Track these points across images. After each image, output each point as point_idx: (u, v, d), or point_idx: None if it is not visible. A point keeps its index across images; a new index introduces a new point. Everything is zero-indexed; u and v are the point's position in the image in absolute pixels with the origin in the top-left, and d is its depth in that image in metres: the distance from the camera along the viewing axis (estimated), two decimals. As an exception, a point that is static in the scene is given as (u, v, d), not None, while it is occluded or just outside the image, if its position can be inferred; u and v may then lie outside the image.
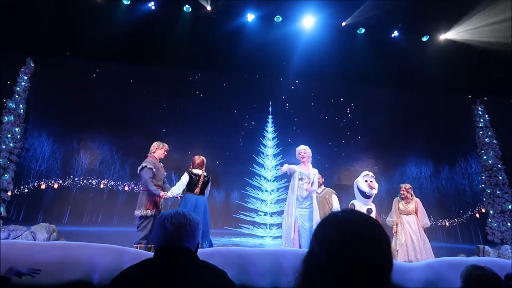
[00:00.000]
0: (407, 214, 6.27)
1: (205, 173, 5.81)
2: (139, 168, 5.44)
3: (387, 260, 0.88)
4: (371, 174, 6.27)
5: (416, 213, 6.31)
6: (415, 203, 6.39)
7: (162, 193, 5.44)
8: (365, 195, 6.10)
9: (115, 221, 9.57)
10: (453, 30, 10.13)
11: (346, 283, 0.83)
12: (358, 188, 6.16)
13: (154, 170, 5.50)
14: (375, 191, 6.12)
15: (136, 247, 5.02)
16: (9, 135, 9.42)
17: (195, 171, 5.78)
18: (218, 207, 10.01)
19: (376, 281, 0.84)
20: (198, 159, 5.90)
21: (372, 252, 0.85)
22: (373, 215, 5.91)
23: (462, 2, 9.04)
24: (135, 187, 9.77)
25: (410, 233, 6.04)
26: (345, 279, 0.83)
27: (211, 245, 5.46)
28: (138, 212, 5.32)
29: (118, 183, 9.94)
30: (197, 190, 5.60)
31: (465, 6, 9.13)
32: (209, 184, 5.84)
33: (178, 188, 5.57)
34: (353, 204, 6.24)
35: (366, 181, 6.11)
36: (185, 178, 5.71)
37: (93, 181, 9.91)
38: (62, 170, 9.86)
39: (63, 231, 8.84)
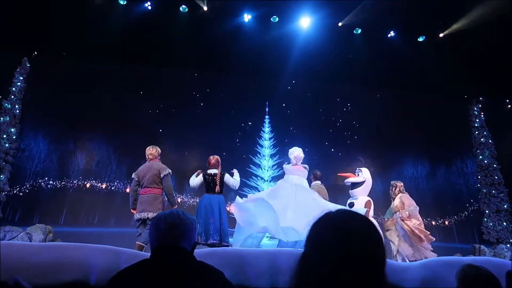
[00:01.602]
0: (394, 212, 6.23)
1: (221, 171, 5.82)
2: (164, 173, 5.49)
3: (380, 260, 0.88)
4: (360, 168, 6.42)
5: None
6: (400, 198, 6.21)
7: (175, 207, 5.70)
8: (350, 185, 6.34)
9: (112, 222, 9.53)
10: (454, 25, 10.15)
11: (339, 283, 0.84)
12: None
13: None
14: (350, 179, 6.37)
15: (142, 247, 5.06)
16: (4, 136, 9.37)
17: (210, 171, 5.82)
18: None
19: (369, 281, 0.85)
20: (212, 159, 5.95)
21: (364, 251, 0.86)
22: (355, 209, 5.89)
23: (458, 2, 9.08)
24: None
25: (399, 231, 6.02)
26: (338, 280, 0.84)
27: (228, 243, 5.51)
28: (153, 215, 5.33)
29: (115, 183, 9.92)
30: (217, 189, 5.70)
31: (461, 7, 9.17)
32: (225, 178, 5.84)
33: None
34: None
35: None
36: (196, 180, 5.89)
37: (90, 181, 9.89)
38: (58, 171, 9.82)
39: (59, 232, 8.79)
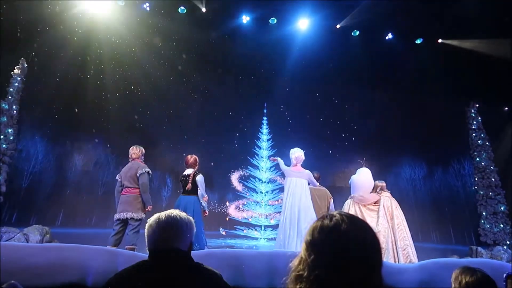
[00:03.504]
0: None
1: (195, 171, 5.73)
2: (140, 172, 5.38)
3: (375, 262, 0.88)
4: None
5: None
6: None
7: (149, 207, 5.46)
8: None
9: (109, 223, 9.50)
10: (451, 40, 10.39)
11: (334, 286, 0.84)
12: None
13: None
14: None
15: (133, 249, 5.00)
16: (1, 136, 9.34)
17: (185, 171, 5.75)
18: (212, 209, 10.00)
19: (365, 284, 0.84)
20: (190, 158, 5.86)
21: (357, 255, 0.86)
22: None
23: (456, 6, 9.13)
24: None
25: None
26: (333, 283, 0.84)
27: (203, 247, 5.38)
28: (136, 215, 5.28)
29: (112, 184, 9.88)
30: (188, 186, 5.56)
31: (459, 10, 9.22)
32: (197, 178, 5.65)
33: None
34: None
35: None
36: None
37: (87, 182, 9.86)
38: (55, 172, 9.79)
39: (56, 233, 8.76)
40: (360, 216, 5.70)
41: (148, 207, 5.41)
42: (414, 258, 5.59)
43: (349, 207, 6.06)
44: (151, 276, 1.43)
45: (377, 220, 5.85)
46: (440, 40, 10.65)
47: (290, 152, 6.02)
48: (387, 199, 6.10)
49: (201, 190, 5.66)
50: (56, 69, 10.15)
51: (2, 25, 8.51)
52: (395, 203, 6.09)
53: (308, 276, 0.89)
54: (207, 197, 5.81)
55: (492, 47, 9.63)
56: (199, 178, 5.66)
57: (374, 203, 6.09)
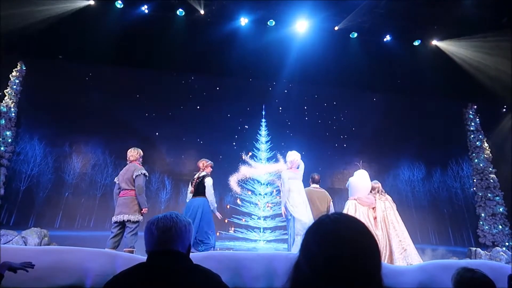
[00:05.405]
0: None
1: (200, 174, 5.87)
2: (136, 174, 5.37)
3: (373, 268, 0.85)
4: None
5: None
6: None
7: (145, 210, 5.45)
8: None
9: (108, 226, 9.47)
10: (448, 42, 10.43)
11: None
12: None
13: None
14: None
15: (131, 251, 4.99)
16: (0, 139, 9.33)
17: (195, 175, 5.94)
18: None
19: None
20: (199, 162, 6.08)
21: (354, 261, 0.81)
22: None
23: (454, 8, 9.17)
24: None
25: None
26: None
27: (207, 248, 5.41)
28: (133, 217, 5.27)
29: (111, 187, 9.87)
30: (193, 191, 5.80)
31: (457, 11, 9.25)
32: (205, 181, 5.83)
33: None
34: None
35: None
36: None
37: (85, 185, 9.84)
38: (54, 174, 9.77)
39: (54, 235, 8.74)
40: (367, 218, 5.71)
41: (144, 209, 5.40)
42: (414, 260, 5.53)
43: (356, 209, 6.00)
44: (149, 278, 1.42)
45: (376, 225, 5.82)
46: (434, 42, 10.69)
47: (286, 155, 6.13)
48: (382, 203, 6.05)
49: (209, 191, 5.90)
50: (54, 71, 10.16)
51: (0, 27, 8.50)
52: (389, 205, 6.05)
53: (303, 283, 0.87)
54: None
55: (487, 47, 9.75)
56: (207, 181, 5.85)
57: (373, 208, 6.05)
